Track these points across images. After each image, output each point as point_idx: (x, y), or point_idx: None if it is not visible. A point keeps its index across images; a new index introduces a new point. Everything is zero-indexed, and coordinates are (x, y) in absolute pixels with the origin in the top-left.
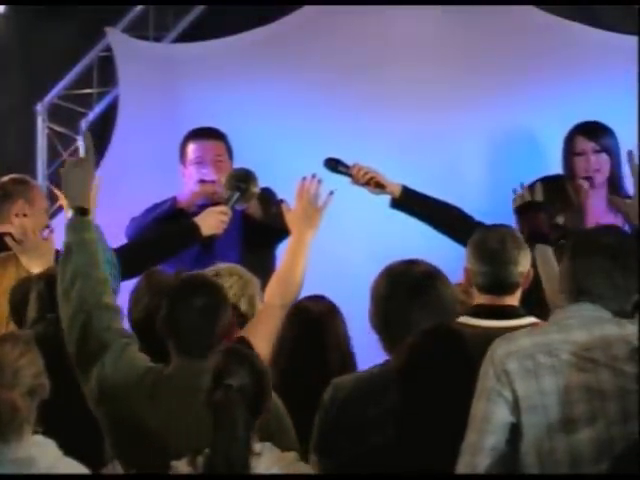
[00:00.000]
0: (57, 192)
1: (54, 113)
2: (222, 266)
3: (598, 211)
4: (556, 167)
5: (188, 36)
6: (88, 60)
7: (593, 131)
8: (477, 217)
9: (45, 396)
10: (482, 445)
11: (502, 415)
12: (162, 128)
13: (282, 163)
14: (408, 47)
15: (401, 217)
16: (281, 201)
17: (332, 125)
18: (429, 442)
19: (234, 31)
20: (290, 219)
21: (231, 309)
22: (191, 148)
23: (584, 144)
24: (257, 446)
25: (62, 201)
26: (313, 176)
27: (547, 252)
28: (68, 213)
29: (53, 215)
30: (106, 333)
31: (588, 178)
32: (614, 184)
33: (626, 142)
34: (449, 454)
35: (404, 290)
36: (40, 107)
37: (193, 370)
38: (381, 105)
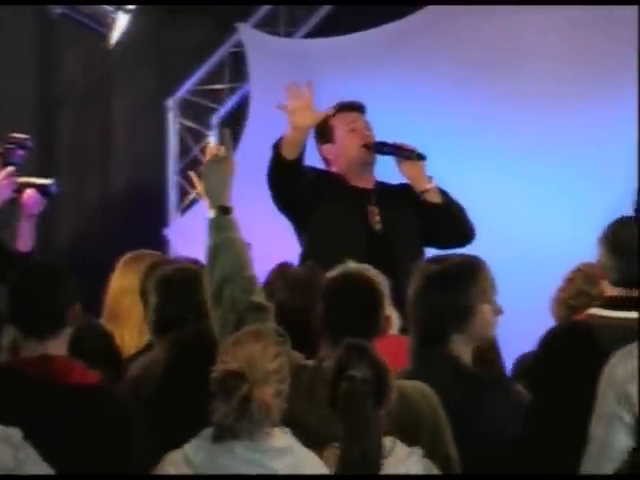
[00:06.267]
0: (195, 186)
1: (185, 108)
2: None
3: None
4: None
5: (319, 31)
6: (219, 56)
7: None
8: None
9: (283, 404)
10: (603, 472)
11: (623, 441)
12: None
13: None
14: (538, 43)
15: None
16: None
17: (459, 121)
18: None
19: (364, 27)
20: None
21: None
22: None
23: None
24: (386, 441)
25: (200, 196)
26: None
27: None
28: (210, 212)
29: (185, 209)
30: None
31: None
32: None
33: None
34: (573, 452)
35: None
36: (171, 102)
37: None
38: (512, 102)
